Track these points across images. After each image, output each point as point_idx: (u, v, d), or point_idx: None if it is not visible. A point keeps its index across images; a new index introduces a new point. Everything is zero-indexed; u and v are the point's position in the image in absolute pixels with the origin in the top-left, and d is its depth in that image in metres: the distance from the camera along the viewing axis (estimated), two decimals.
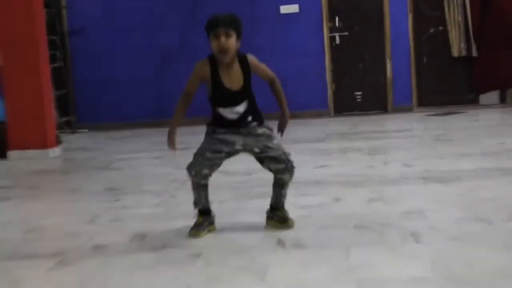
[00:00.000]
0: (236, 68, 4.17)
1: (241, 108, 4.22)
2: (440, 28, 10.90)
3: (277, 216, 4.43)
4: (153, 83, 11.40)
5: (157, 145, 9.07)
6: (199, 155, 4.31)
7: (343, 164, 6.82)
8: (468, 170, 5.95)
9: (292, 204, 4.93)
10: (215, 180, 5.82)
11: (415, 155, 6.93)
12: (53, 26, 11.04)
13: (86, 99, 11.54)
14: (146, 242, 4.29)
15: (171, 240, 4.29)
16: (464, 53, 10.74)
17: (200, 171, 4.28)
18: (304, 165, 6.71)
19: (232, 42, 4.07)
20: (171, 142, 4.46)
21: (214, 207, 5.00)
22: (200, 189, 4.37)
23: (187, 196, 5.49)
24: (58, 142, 8.95)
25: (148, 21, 11.32)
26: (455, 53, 10.77)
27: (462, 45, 10.74)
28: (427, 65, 11.03)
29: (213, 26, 4.09)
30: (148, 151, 8.63)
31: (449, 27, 10.71)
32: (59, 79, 11.08)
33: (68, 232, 4.69)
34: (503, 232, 4.02)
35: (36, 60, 8.59)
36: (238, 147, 4.26)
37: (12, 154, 8.61)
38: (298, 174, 5.89)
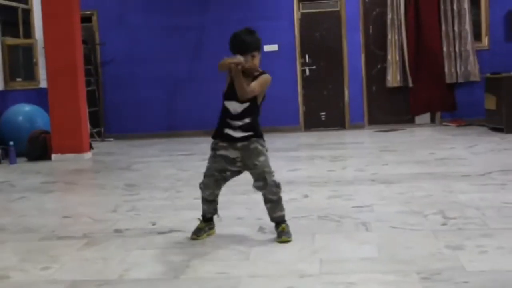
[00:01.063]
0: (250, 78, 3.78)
1: (243, 106, 3.76)
2: (385, 64, 10.88)
3: (276, 231, 3.86)
4: (165, 103, 11.32)
5: (167, 151, 9.02)
6: (208, 176, 3.87)
7: (310, 168, 6.79)
8: (406, 174, 5.93)
9: None
10: None
11: (366, 162, 6.90)
12: (89, 58, 10.94)
13: (113, 114, 11.44)
14: (157, 227, 4.25)
15: (176, 226, 4.26)
16: (400, 84, 10.73)
17: (209, 190, 3.89)
18: (280, 168, 6.65)
19: (255, 62, 3.78)
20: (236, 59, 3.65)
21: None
22: (209, 203, 3.95)
23: (190, 192, 5.49)
24: (90, 147, 8.87)
25: (163, 54, 11.25)
26: (393, 84, 10.75)
27: (399, 78, 10.74)
28: (376, 92, 11.01)
29: (258, 47, 3.86)
30: (160, 156, 8.55)
31: (388, 64, 10.72)
32: (93, 99, 10.98)
33: (95, 219, 4.64)
34: (433, 223, 4.00)
35: (75, 84, 8.51)
36: (239, 164, 3.82)
37: (55, 156, 8.51)
38: (275, 175, 5.89)
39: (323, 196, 5.05)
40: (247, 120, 3.79)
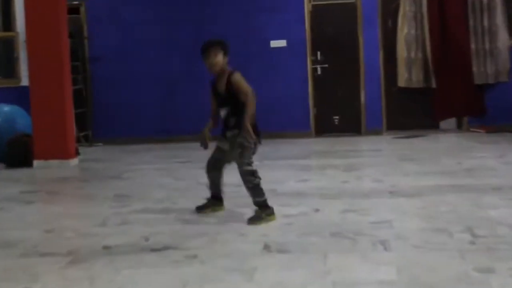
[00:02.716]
0: (224, 79, 4.79)
1: (225, 110, 4.83)
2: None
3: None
4: (159, 105, 11.34)
5: (162, 158, 9.03)
6: (209, 159, 5.03)
7: (321, 179, 6.77)
8: (429, 186, 5.91)
9: (277, 212, 4.89)
10: None
11: (384, 172, 6.88)
12: (76, 53, 10.98)
13: (102, 117, 11.46)
14: (150, 243, 4.24)
15: (171, 242, 4.24)
16: (422, 84, 10.72)
17: (209, 169, 5.02)
18: (288, 179, 6.66)
19: (216, 60, 4.75)
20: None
21: (208, 215, 4.98)
22: (209, 179, 5.06)
23: (187, 204, 5.47)
24: (77, 153, 8.88)
25: (158, 50, 11.28)
26: (414, 84, 10.74)
27: (421, 77, 10.73)
28: (395, 94, 11.01)
29: (201, 52, 4.80)
30: (154, 163, 8.56)
31: (409, 63, 10.70)
32: (80, 99, 11.00)
33: (81, 233, 4.63)
34: (459, 242, 3.98)
35: (60, 82, 8.53)
36: (227, 155, 4.89)
37: (37, 163, 8.52)
38: (282, 186, 5.92)
39: (336, 211, 5.03)
40: (232, 121, 4.80)
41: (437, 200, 5.25)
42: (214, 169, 5.01)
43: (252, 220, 4.70)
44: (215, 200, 5.12)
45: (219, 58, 4.78)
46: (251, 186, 4.76)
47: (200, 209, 5.11)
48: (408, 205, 5.16)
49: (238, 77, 4.77)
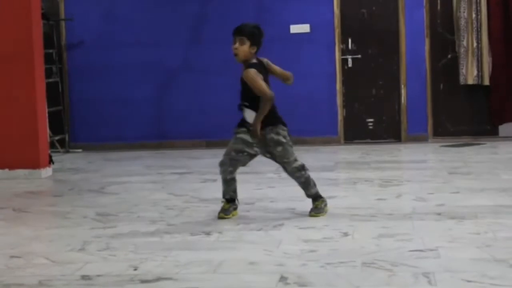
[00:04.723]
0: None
1: (245, 103, 5.50)
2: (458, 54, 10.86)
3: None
4: (153, 102, 11.35)
5: (156, 168, 9.05)
6: (226, 155, 5.57)
7: (351, 196, 6.76)
8: (485, 207, 5.89)
9: (295, 237, 4.89)
10: (216, 208, 5.84)
11: (429, 189, 6.87)
12: (50, 39, 11.03)
13: (82, 117, 11.49)
14: (139, 273, 4.25)
15: (166, 272, 4.25)
16: (479, 81, 10.68)
17: (226, 169, 5.55)
18: None
19: (243, 48, 5.44)
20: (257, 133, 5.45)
21: (212, 238, 5.00)
22: (228, 183, 5.59)
23: (185, 225, 5.49)
24: (50, 162, 8.89)
25: (151, 36, 11.30)
26: (468, 80, 10.70)
27: (475, 72, 10.69)
28: (444, 92, 10.97)
29: (232, 33, 5.49)
30: (146, 175, 8.58)
31: (463, 54, 10.67)
32: (54, 94, 11.05)
33: (55, 261, 4.64)
34: None
35: (31, 74, 8.56)
36: (255, 149, 5.52)
37: (0, 173, 8.56)
38: (302, 205, 5.93)
39: (369, 235, 5.03)
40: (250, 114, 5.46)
41: (494, 224, 5.23)
42: (231, 165, 5.55)
43: (315, 212, 5.59)
44: (233, 203, 5.70)
45: (245, 48, 5.45)
46: (303, 180, 5.59)
47: (223, 215, 5.65)
48: (458, 229, 5.14)
49: (251, 75, 5.41)
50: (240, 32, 5.48)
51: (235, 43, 5.46)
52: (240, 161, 5.58)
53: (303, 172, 5.58)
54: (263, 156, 5.64)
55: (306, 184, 5.63)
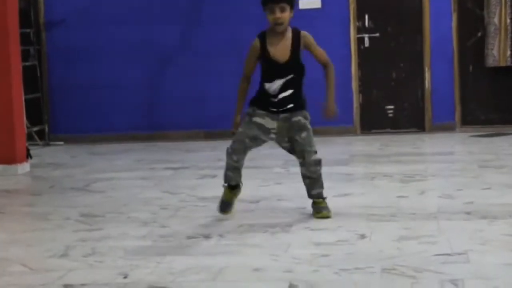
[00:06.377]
0: (287, 41, 5.49)
1: (280, 82, 5.44)
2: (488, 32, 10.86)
3: (312, 208, 5.66)
4: (145, 88, 11.37)
5: (147, 163, 9.06)
6: (239, 142, 5.52)
7: (369, 193, 6.77)
8: None
9: (305, 240, 4.89)
10: (216, 207, 5.83)
11: (457, 185, 6.87)
12: (27, 17, 11.05)
13: (64, 105, 11.51)
14: (129, 282, 4.26)
15: (159, 280, 4.26)
16: (510, 63, 10.66)
17: (237, 156, 5.51)
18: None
19: (285, 15, 5.36)
20: (235, 125, 5.57)
21: (211, 242, 5.01)
22: (235, 170, 5.59)
23: (180, 227, 5.49)
24: (27, 156, 8.91)
25: (142, 13, 11.31)
26: (501, 62, 10.69)
27: (509, 52, 10.67)
28: (474, 75, 10.96)
29: (269, 1, 5.33)
30: (136, 170, 8.60)
31: (494, 32, 10.65)
32: (32, 80, 11.07)
33: (34, 268, 4.65)
34: None
35: (5, 57, 8.59)
36: (272, 136, 5.54)
37: None
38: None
39: (390, 237, 5.03)
40: (289, 92, 5.48)
41: None
42: (244, 151, 5.55)
43: (326, 212, 5.60)
44: (237, 190, 5.72)
45: (287, 15, 5.43)
46: (315, 177, 5.59)
47: (224, 209, 5.71)
48: (491, 230, 5.14)
49: (311, 38, 5.64)
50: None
51: (274, 12, 5.35)
52: (252, 147, 5.61)
53: (318, 167, 5.59)
54: (278, 145, 5.71)
55: (317, 181, 5.63)
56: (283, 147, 5.68)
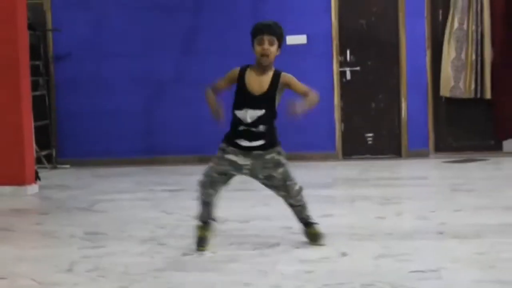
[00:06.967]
0: (267, 77, 5.17)
1: (257, 113, 5.11)
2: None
3: (305, 233, 5.41)
4: (144, 115, 11.35)
5: (146, 185, 9.04)
6: (207, 176, 5.23)
7: (350, 214, 6.78)
8: (489, 225, 5.89)
9: (291, 257, 4.89)
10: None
11: (431, 207, 6.88)
12: (37, 50, 11.04)
13: (70, 131, 11.49)
14: None
15: None
16: (473, 95, 10.67)
17: (206, 191, 5.22)
18: None
19: (273, 49, 5.12)
20: (216, 114, 5.24)
21: (205, 259, 5.02)
22: (206, 205, 5.25)
23: (177, 244, 5.48)
24: (36, 178, 8.89)
25: (142, 47, 11.32)
26: (466, 94, 10.70)
27: (473, 86, 10.69)
28: (446, 106, 10.99)
29: (259, 33, 5.13)
30: (136, 192, 8.57)
31: (461, 66, 10.67)
32: (41, 108, 11.05)
33: (42, 282, 4.64)
34: None
35: (16, 87, 8.55)
36: (245, 171, 5.20)
37: None
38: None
39: (369, 255, 5.03)
40: (262, 128, 5.15)
41: (499, 244, 5.23)
42: (214, 186, 5.23)
43: (321, 238, 5.36)
44: (209, 225, 5.33)
45: (274, 50, 5.18)
46: (302, 203, 5.36)
47: (199, 244, 5.29)
48: (461, 249, 5.14)
49: (292, 77, 5.33)
50: (271, 31, 5.16)
51: (262, 43, 5.09)
52: (222, 182, 5.24)
53: (302, 195, 5.32)
54: (254, 178, 5.30)
55: (304, 207, 5.36)
56: (260, 182, 5.32)
